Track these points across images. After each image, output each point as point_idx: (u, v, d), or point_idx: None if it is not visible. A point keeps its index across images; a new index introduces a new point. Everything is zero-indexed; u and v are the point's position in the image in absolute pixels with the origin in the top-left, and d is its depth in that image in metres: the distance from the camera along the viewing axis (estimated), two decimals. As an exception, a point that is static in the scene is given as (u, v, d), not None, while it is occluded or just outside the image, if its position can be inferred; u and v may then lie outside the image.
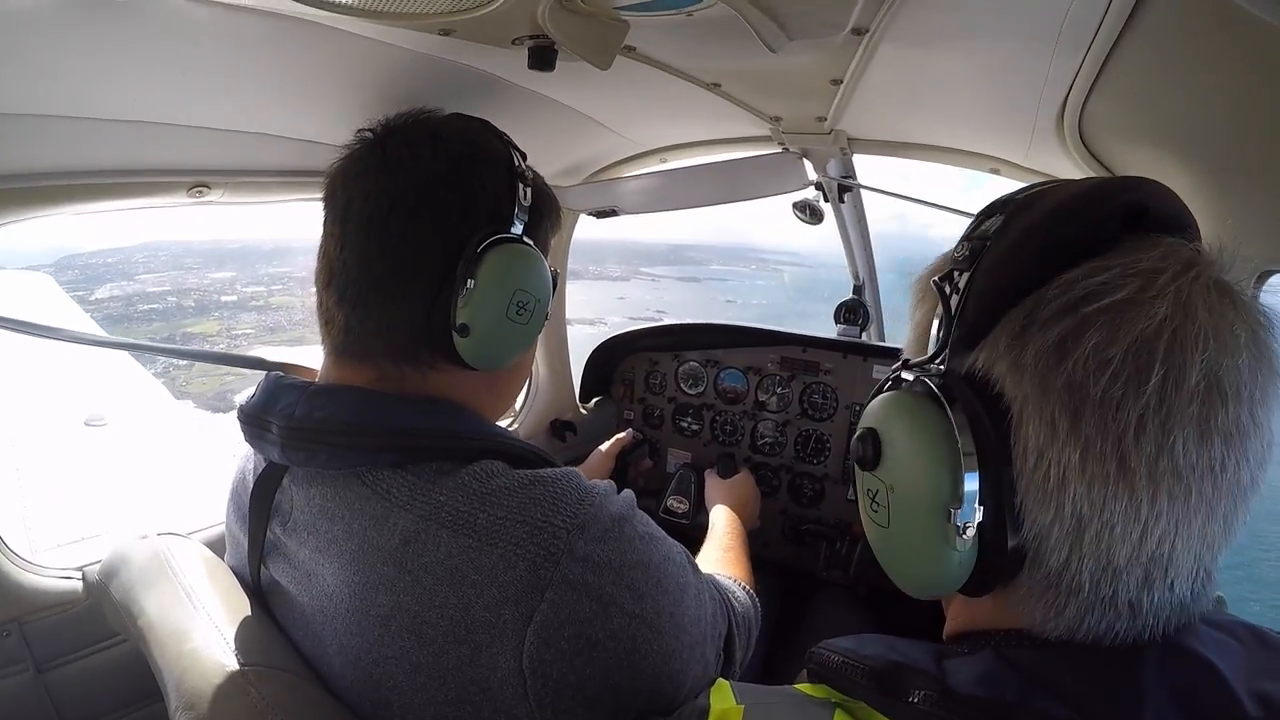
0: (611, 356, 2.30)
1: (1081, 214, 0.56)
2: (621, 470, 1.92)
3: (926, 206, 1.66)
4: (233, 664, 0.83)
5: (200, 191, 1.27)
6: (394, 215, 0.86)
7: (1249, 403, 0.50)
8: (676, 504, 1.92)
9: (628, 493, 0.89)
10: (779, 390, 2.09)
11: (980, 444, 0.54)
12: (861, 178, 1.74)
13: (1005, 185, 1.58)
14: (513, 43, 1.04)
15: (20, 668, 1.23)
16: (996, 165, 1.43)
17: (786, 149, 1.56)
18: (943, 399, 0.56)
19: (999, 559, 0.54)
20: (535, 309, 0.93)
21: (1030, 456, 0.52)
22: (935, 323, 0.62)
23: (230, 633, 0.88)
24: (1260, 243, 0.94)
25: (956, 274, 0.59)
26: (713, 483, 1.85)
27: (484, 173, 0.90)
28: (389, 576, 0.79)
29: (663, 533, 0.90)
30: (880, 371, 1.96)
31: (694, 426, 2.23)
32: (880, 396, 0.62)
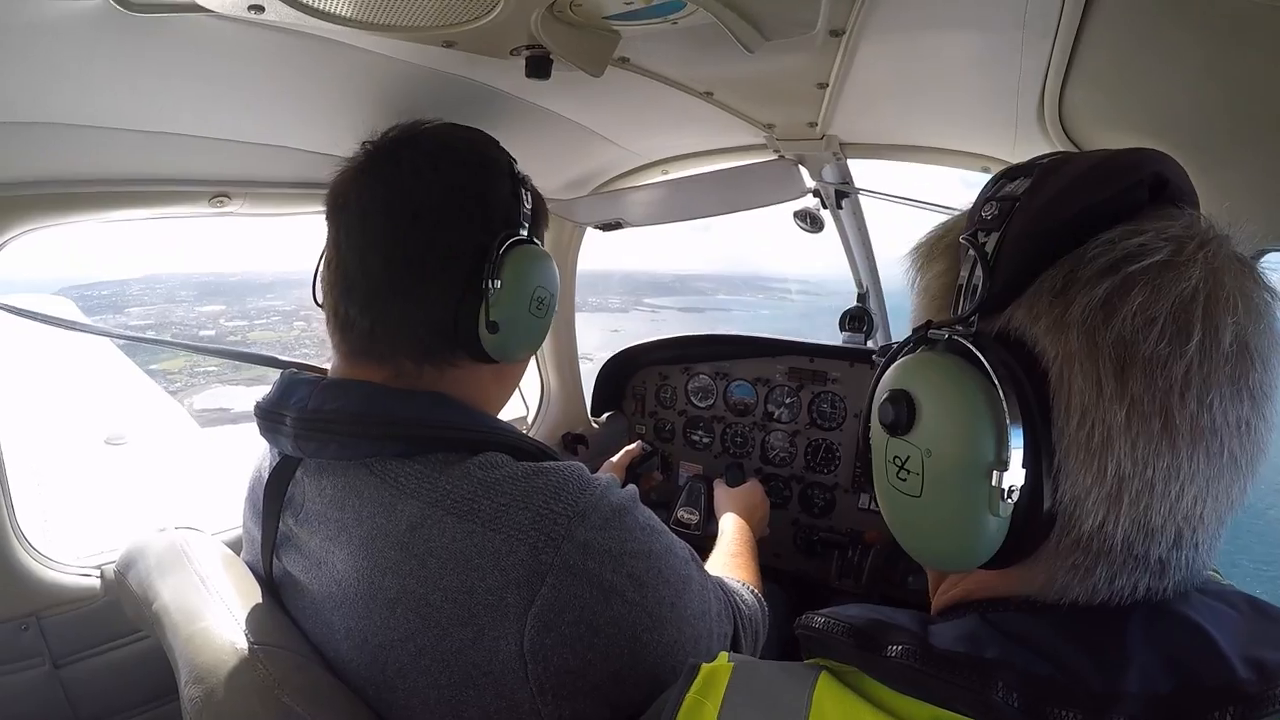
0: (622, 371, 2.33)
1: (1114, 180, 0.56)
2: (631, 482, 1.93)
3: (922, 208, 1.68)
4: (242, 642, 0.86)
5: (221, 201, 1.34)
6: (419, 224, 0.91)
7: (1274, 367, 0.52)
8: (687, 515, 1.92)
9: (631, 487, 0.92)
10: (787, 401, 2.11)
11: (1023, 403, 0.52)
12: (859, 185, 1.77)
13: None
14: (510, 53, 1.09)
15: (37, 661, 1.26)
16: (986, 164, 1.46)
17: (782, 156, 1.61)
18: (982, 358, 0.54)
19: (1032, 525, 0.53)
20: (550, 303, 1.01)
21: (1074, 416, 0.51)
22: (958, 285, 0.61)
23: (241, 615, 0.92)
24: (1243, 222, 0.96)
25: (981, 234, 0.58)
26: (721, 492, 1.86)
27: (495, 180, 0.96)
28: (396, 560, 0.82)
29: (664, 526, 0.92)
30: None
31: (705, 439, 2.25)
32: (907, 358, 0.60)
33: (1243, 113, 0.93)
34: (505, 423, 0.98)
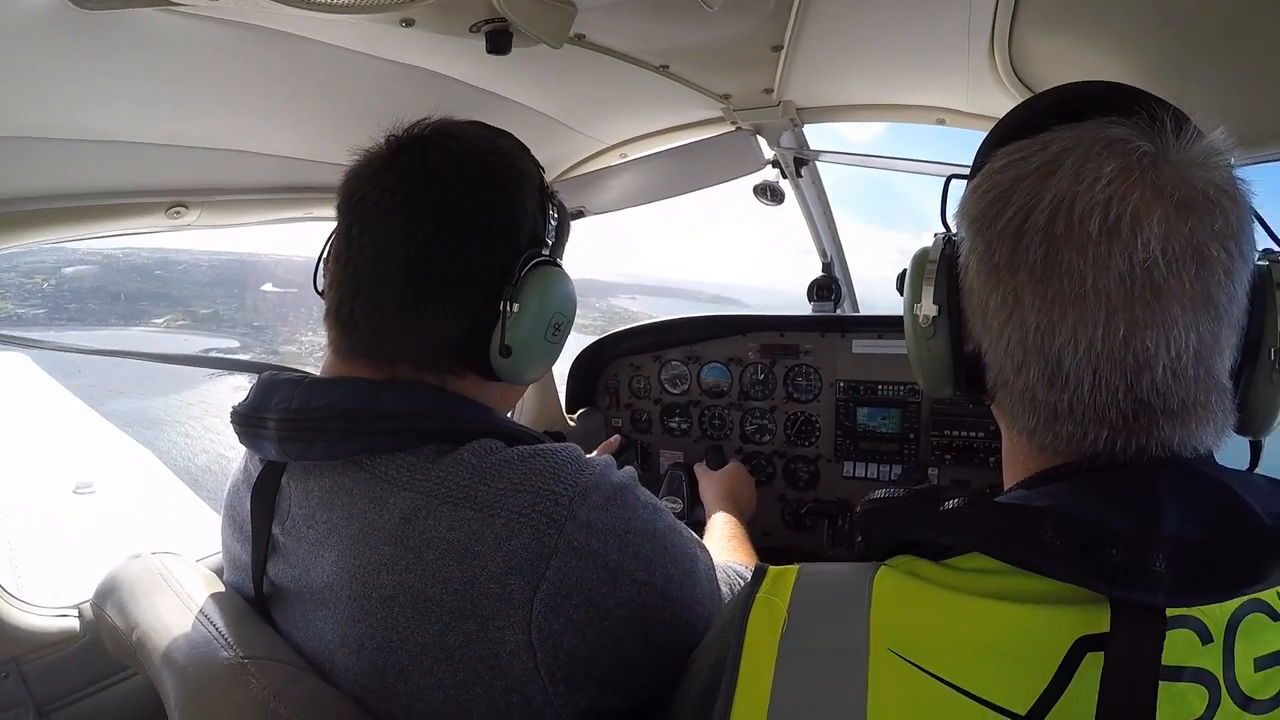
0: (593, 364, 2.31)
1: (1020, 110, 0.71)
2: None
3: (882, 165, 1.72)
4: (233, 657, 0.81)
5: (178, 212, 1.29)
6: (441, 237, 0.85)
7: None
8: (670, 505, 1.90)
9: (629, 468, 0.90)
10: (761, 378, 2.12)
11: (940, 262, 0.69)
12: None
13: (952, 135, 1.66)
14: (470, 30, 1.08)
15: (21, 711, 1.19)
16: (941, 115, 1.50)
17: (739, 127, 1.62)
18: (931, 246, 0.71)
19: (966, 360, 0.68)
20: (565, 328, 0.95)
21: (962, 271, 0.66)
22: None
23: (229, 631, 0.86)
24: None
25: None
26: (704, 476, 1.84)
27: (525, 196, 0.91)
28: (390, 556, 0.78)
29: (665, 506, 0.91)
30: (860, 345, 2.00)
31: (683, 425, 2.24)
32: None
33: (1198, 36, 0.96)
34: (498, 413, 0.95)
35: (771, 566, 0.66)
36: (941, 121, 1.50)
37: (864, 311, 2.42)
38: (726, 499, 1.69)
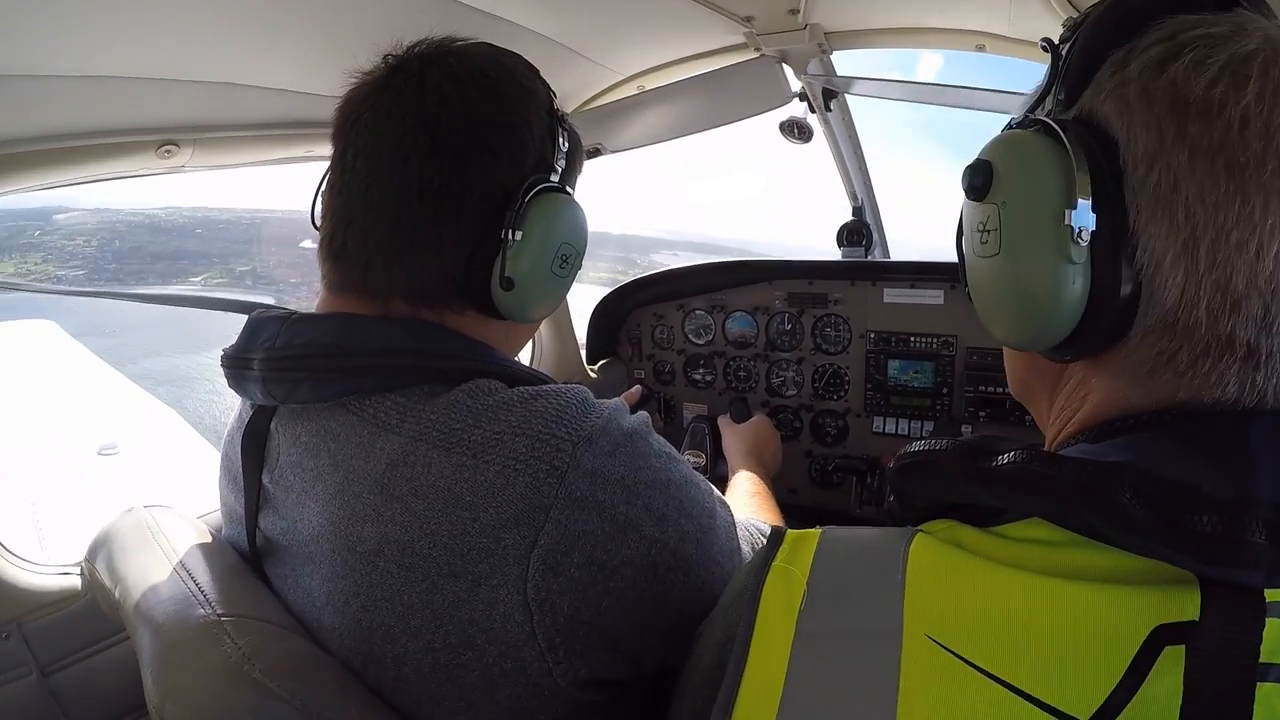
0: (615, 313, 2.23)
1: None
2: None
3: (926, 94, 1.61)
4: (209, 615, 0.76)
5: (169, 152, 1.22)
6: (436, 157, 0.78)
7: None
8: (693, 458, 1.85)
9: (643, 413, 0.82)
10: (788, 328, 2.03)
11: (1090, 156, 0.51)
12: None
13: (994, 62, 1.54)
14: None
15: (22, 671, 1.17)
16: (981, 40, 1.38)
17: (763, 53, 1.51)
18: (1053, 124, 0.54)
19: (1115, 282, 0.51)
20: (575, 261, 0.88)
21: (1141, 166, 0.50)
22: (1043, 90, 0.61)
23: (212, 589, 0.81)
24: None
25: (1063, 46, 0.58)
26: (728, 429, 1.79)
27: (531, 115, 0.84)
28: (375, 505, 0.71)
29: (681, 456, 0.83)
30: (892, 294, 1.90)
31: (707, 377, 2.16)
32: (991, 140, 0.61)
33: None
34: (500, 352, 0.87)
35: (790, 530, 0.58)
36: (981, 48, 1.38)
37: (897, 259, 2.31)
38: (750, 454, 1.63)
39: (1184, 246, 0.48)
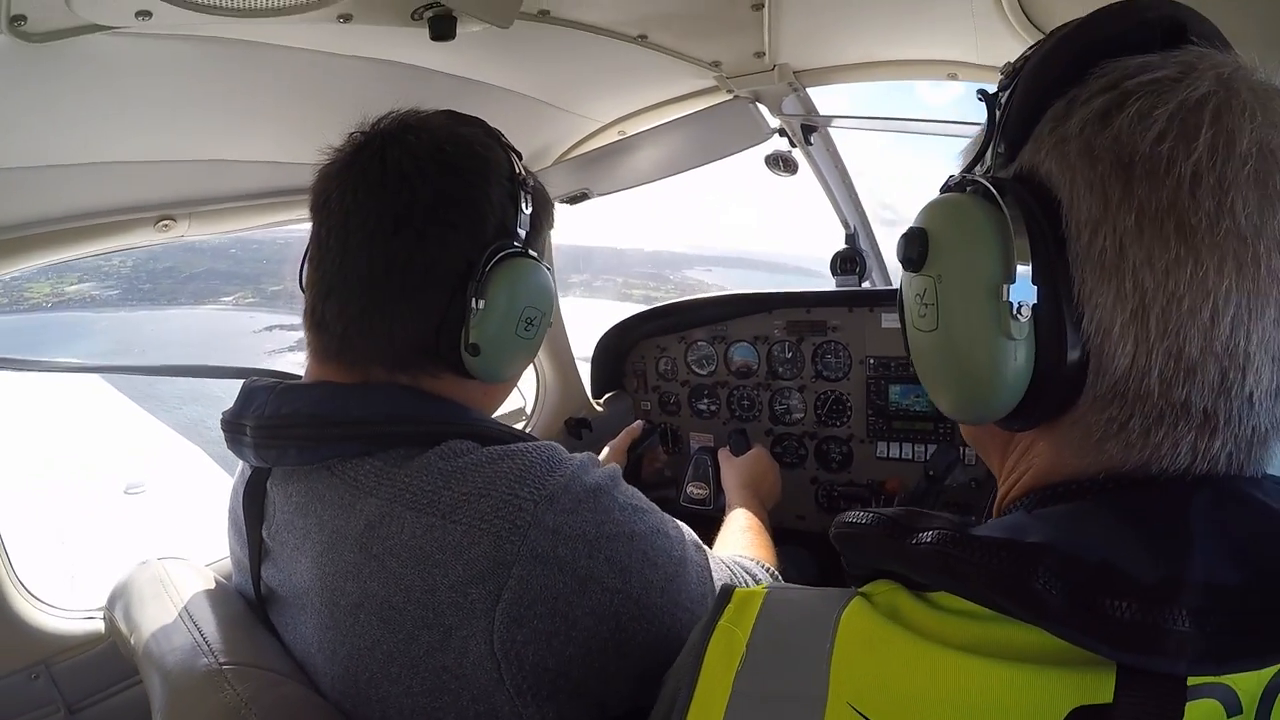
0: (618, 347, 2.27)
1: (1122, 17, 0.52)
2: (636, 463, 1.88)
3: (898, 128, 1.60)
4: (212, 664, 0.83)
5: (166, 225, 1.31)
6: (400, 235, 0.83)
7: None
8: (696, 490, 1.86)
9: (613, 466, 0.86)
10: (789, 356, 2.03)
11: (1030, 221, 0.49)
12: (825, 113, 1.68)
13: (969, 89, 1.52)
14: (412, 17, 1.04)
15: (51, 709, 1.26)
16: (952, 70, 1.37)
17: (737, 95, 1.53)
18: (990, 187, 0.52)
19: (1063, 364, 0.49)
20: (540, 322, 0.92)
21: (1085, 231, 0.48)
22: (982, 145, 0.59)
23: (216, 639, 0.88)
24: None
25: (1001, 95, 0.57)
26: (726, 462, 1.79)
27: (491, 188, 0.87)
28: (355, 563, 0.77)
29: (654, 506, 0.87)
30: (890, 319, 1.88)
31: (711, 407, 2.18)
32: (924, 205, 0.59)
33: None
34: (471, 409, 0.91)
35: (739, 589, 0.58)
36: (954, 76, 1.37)
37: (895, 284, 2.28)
38: (746, 487, 1.63)
39: (1133, 315, 0.46)
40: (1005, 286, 0.48)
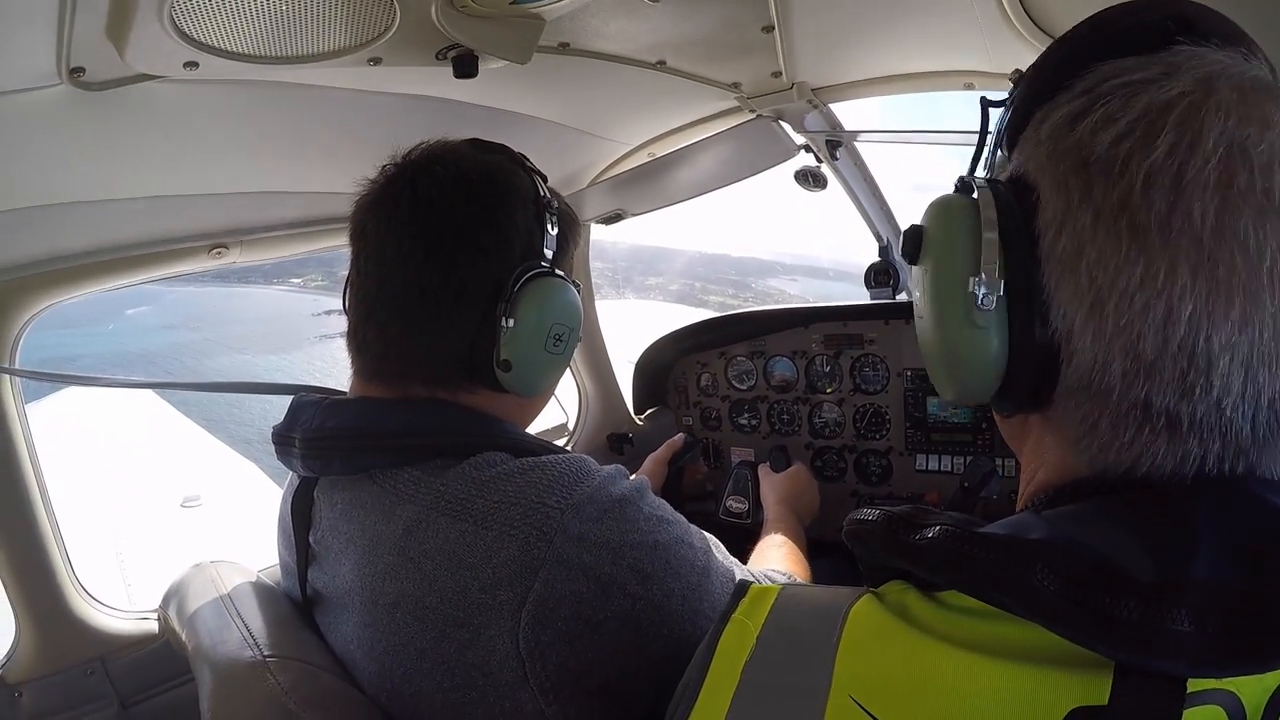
0: (659, 364, 2.30)
1: (1120, 19, 0.54)
2: (676, 475, 1.90)
3: (924, 140, 1.58)
4: (257, 656, 0.90)
5: (220, 253, 1.42)
6: (431, 260, 0.89)
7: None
8: (736, 504, 1.87)
9: (641, 477, 0.91)
10: (827, 370, 2.02)
11: (1004, 218, 0.53)
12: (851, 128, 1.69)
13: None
14: (437, 58, 1.10)
15: (105, 703, 1.36)
16: (968, 80, 1.36)
17: (759, 114, 1.55)
18: (972, 185, 0.56)
19: (1031, 352, 0.52)
20: (569, 337, 0.96)
21: (1050, 229, 0.50)
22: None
23: (261, 634, 0.95)
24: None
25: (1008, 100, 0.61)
26: (766, 478, 1.81)
27: (515, 212, 0.92)
28: (394, 565, 0.83)
29: (680, 518, 0.90)
30: None
31: (752, 421, 2.18)
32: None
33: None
34: (507, 423, 0.96)
35: (755, 585, 0.61)
36: (970, 86, 1.36)
37: None
38: (784, 503, 1.66)
39: (1090, 310, 0.48)
40: (971, 279, 0.52)
